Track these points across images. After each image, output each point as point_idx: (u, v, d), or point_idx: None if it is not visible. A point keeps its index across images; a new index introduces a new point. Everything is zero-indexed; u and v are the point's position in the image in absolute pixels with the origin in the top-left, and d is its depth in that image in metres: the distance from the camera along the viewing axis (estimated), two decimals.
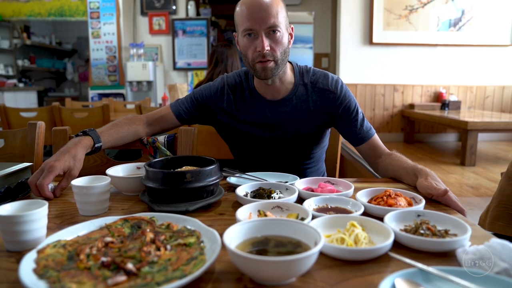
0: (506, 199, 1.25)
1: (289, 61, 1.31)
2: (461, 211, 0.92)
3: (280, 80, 1.27)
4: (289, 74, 1.30)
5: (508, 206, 1.24)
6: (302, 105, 1.29)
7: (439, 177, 1.05)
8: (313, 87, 1.30)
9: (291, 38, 1.26)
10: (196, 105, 1.36)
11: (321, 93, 1.29)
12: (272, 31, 1.16)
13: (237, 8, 1.20)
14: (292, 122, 1.30)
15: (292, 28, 1.26)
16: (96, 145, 1.14)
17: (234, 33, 1.29)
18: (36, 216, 0.70)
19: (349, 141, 1.34)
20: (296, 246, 0.65)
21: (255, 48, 1.17)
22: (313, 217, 0.79)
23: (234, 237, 0.65)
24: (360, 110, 1.32)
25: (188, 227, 0.74)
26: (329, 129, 1.43)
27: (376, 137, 1.32)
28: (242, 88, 1.34)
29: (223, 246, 0.61)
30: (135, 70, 5.25)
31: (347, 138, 1.34)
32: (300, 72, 1.32)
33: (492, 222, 1.27)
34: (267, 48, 1.15)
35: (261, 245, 0.66)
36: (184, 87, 4.05)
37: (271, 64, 1.18)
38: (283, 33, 1.19)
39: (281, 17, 1.17)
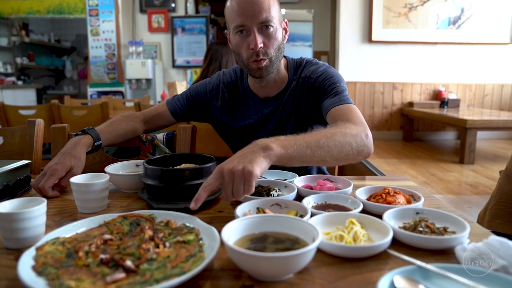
0: (504, 197, 1.25)
1: (283, 56, 1.28)
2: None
3: (273, 78, 1.24)
4: (282, 71, 1.26)
5: (507, 204, 1.25)
6: (294, 101, 1.26)
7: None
8: (303, 81, 1.25)
9: (286, 33, 1.21)
10: (191, 102, 1.35)
11: (305, 85, 1.24)
12: (265, 26, 1.10)
13: (228, 4, 1.14)
14: (285, 118, 1.28)
15: (286, 23, 1.21)
16: (96, 143, 1.14)
17: (225, 31, 1.23)
18: (35, 214, 0.70)
19: (324, 113, 1.16)
20: (294, 243, 0.65)
21: (248, 45, 1.12)
22: (312, 215, 0.79)
23: (233, 233, 0.65)
24: (343, 86, 1.17)
25: (187, 224, 0.75)
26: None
27: (350, 106, 1.10)
28: (237, 86, 1.32)
29: (222, 243, 0.61)
30: (134, 68, 5.25)
31: (324, 110, 1.15)
32: (294, 67, 1.28)
33: (491, 220, 1.27)
34: (261, 45, 1.10)
35: (260, 242, 0.66)
36: (183, 84, 4.05)
37: (266, 62, 1.14)
38: (277, 28, 1.13)
39: (274, 11, 1.11)
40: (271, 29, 1.11)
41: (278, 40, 1.15)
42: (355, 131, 0.95)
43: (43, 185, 0.97)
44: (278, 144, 0.83)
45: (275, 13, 1.12)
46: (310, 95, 1.24)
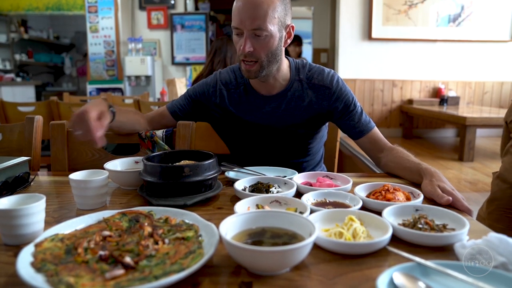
0: (504, 203, 1.26)
1: (286, 56, 1.30)
2: (467, 211, 0.88)
3: (273, 77, 1.25)
4: (284, 70, 1.28)
5: (507, 210, 1.26)
6: (296, 101, 1.28)
7: None
8: (308, 83, 1.28)
9: (288, 37, 1.22)
10: (190, 102, 1.37)
11: (316, 89, 1.28)
12: (257, 33, 1.11)
13: (234, 2, 1.17)
14: (287, 117, 1.29)
15: (292, 27, 1.22)
16: (111, 109, 1.09)
17: None
18: (34, 210, 0.70)
19: (348, 135, 1.33)
20: (291, 238, 0.65)
21: (241, 46, 1.15)
22: (312, 212, 0.79)
23: (231, 228, 0.66)
24: (358, 104, 1.30)
25: (186, 221, 0.74)
26: (327, 124, 1.42)
27: (376, 130, 1.30)
28: (237, 83, 1.33)
29: (221, 240, 0.61)
30: (134, 65, 5.23)
31: (346, 132, 1.33)
32: (296, 68, 1.30)
33: (492, 225, 1.28)
34: (248, 50, 1.12)
35: (257, 236, 0.66)
36: (182, 82, 4.04)
37: (256, 66, 1.16)
38: (272, 35, 1.13)
39: (271, 17, 1.11)
40: (263, 36, 1.12)
41: (271, 46, 1.15)
42: None
43: (97, 125, 0.89)
44: None
45: (272, 20, 1.12)
46: (326, 103, 1.28)
